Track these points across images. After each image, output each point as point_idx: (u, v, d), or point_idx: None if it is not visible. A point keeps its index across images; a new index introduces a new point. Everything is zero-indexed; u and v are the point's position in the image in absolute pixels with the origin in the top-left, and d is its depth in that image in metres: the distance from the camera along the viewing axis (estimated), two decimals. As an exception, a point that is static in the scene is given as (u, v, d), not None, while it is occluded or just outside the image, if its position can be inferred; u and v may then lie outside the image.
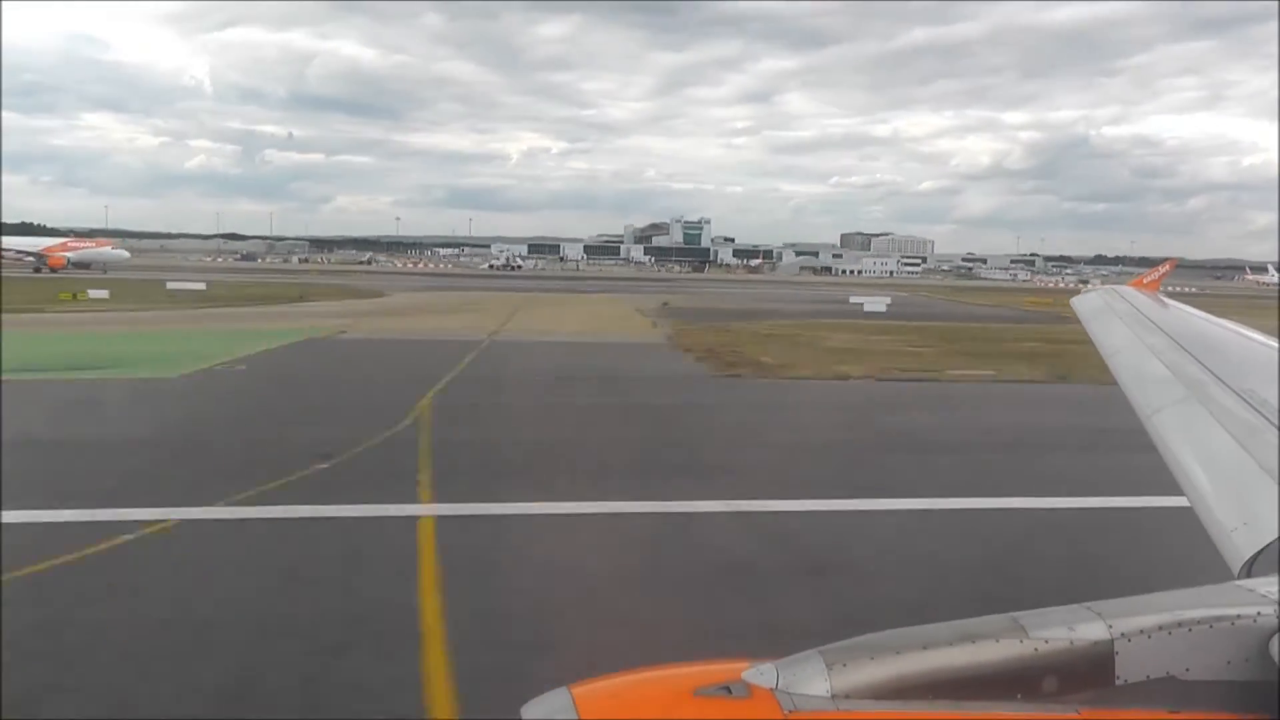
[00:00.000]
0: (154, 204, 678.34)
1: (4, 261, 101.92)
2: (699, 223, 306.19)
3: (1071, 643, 2.56)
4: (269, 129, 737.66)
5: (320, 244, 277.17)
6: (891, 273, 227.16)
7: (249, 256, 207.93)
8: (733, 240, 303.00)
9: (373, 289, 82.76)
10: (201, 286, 72.23)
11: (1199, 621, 2.63)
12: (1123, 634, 2.59)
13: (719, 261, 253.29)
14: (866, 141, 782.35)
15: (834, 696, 2.45)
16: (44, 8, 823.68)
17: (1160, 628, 2.61)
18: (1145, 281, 10.72)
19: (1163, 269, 14.30)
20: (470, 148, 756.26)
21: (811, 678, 2.48)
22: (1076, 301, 9.60)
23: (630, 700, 2.54)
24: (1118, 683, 2.56)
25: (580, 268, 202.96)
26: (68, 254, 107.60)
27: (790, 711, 2.40)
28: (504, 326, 47.61)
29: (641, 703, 2.52)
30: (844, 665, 2.50)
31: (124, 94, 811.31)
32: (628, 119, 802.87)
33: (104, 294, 61.79)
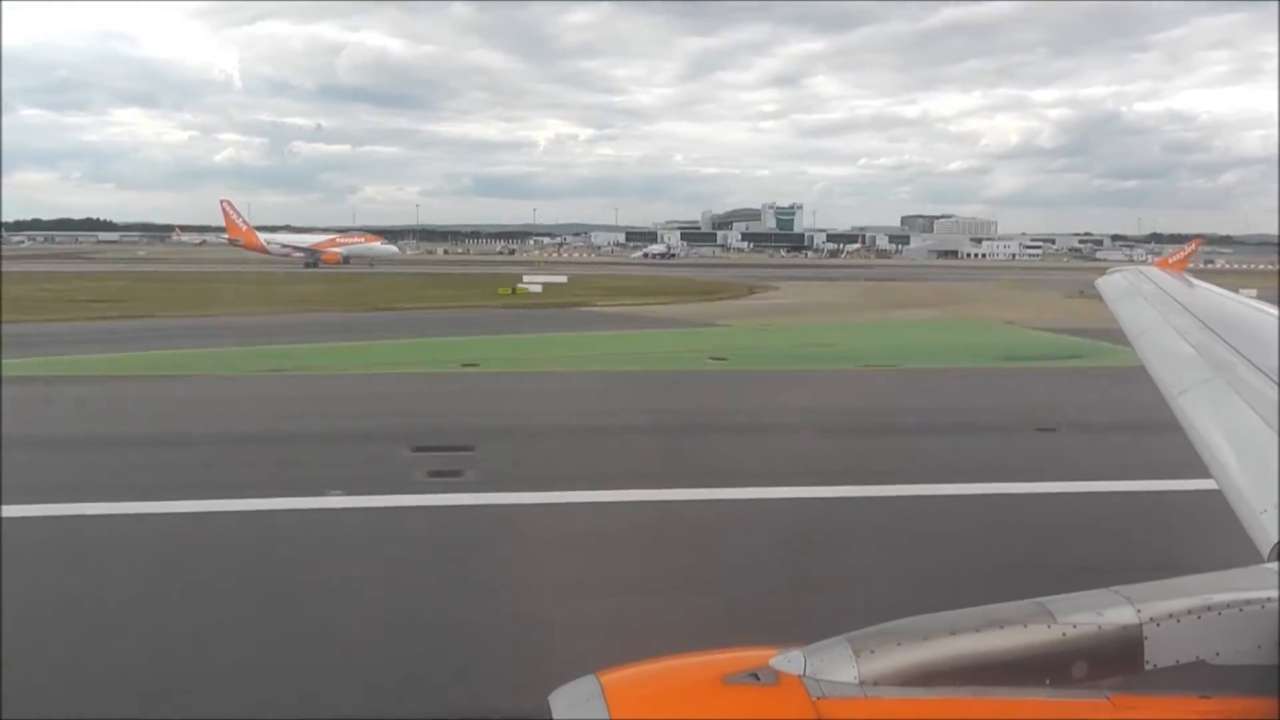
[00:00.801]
0: (182, 197, 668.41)
1: (273, 257, 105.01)
2: (791, 208, 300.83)
3: (1100, 628, 2.54)
4: (297, 121, 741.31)
5: (388, 234, 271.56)
6: (1014, 255, 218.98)
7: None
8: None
9: (741, 283, 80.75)
10: (563, 279, 72.72)
11: (1228, 605, 2.58)
12: (1151, 618, 2.55)
13: (814, 246, 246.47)
14: (895, 123, 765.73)
15: (862, 683, 2.45)
16: (77, 6, 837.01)
17: (1189, 612, 2.57)
18: (1171, 261, 8.72)
19: (1188, 248, 11.33)
20: (497, 136, 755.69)
21: (839, 664, 2.48)
22: (1102, 282, 9.14)
23: (658, 688, 2.56)
24: (1147, 667, 2.53)
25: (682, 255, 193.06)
26: (340, 249, 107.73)
27: (818, 698, 2.40)
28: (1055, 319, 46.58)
29: (670, 690, 2.53)
30: (871, 652, 2.50)
31: (154, 89, 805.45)
32: (655, 104, 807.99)
33: (538, 288, 63.85)
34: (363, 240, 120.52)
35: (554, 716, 2.47)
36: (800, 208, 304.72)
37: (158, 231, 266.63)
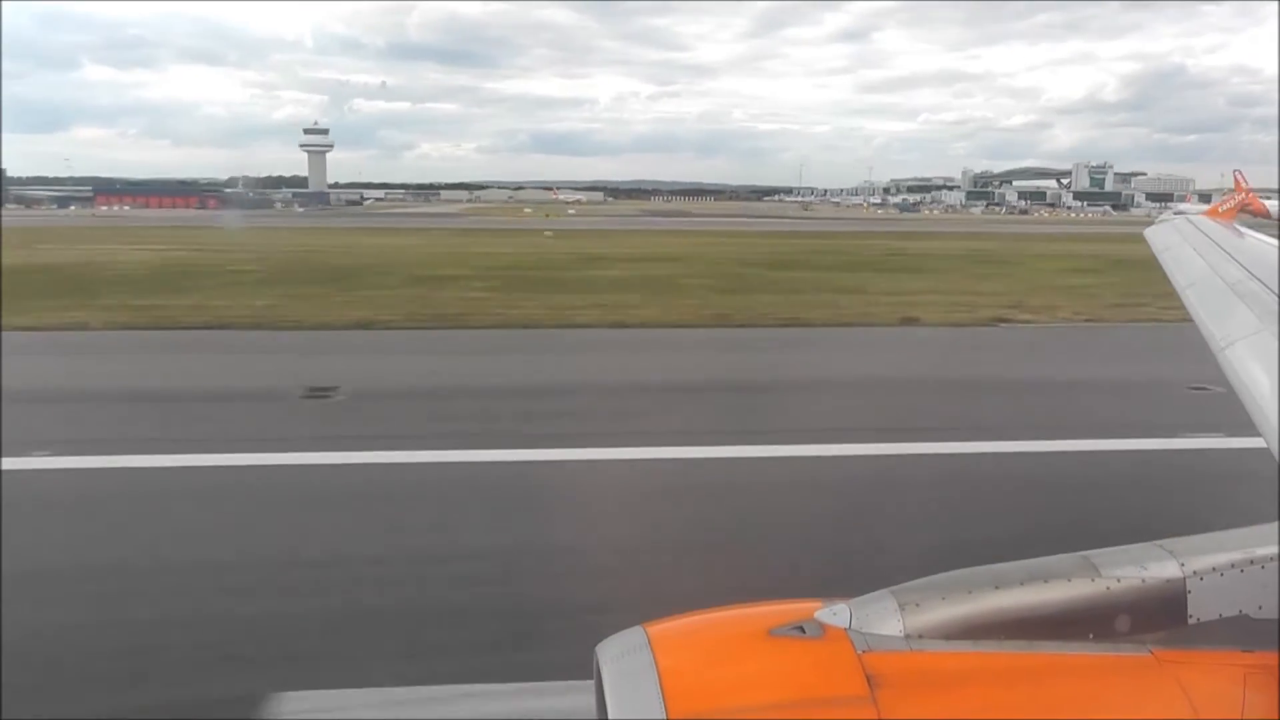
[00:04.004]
0: (237, 155, 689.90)
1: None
2: (1103, 167, 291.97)
3: (1143, 581, 2.56)
4: (362, 78, 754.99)
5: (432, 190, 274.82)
6: None
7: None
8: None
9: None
10: None
11: (1272, 558, 2.58)
12: (1195, 572, 2.56)
13: (1135, 203, 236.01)
14: (959, 78, 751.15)
15: (907, 636, 2.48)
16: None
17: (1232, 565, 2.57)
18: (1220, 210, 8.28)
19: (1239, 198, 10.50)
20: (559, 92, 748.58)
21: (884, 617, 2.51)
22: (1150, 232, 8.93)
23: (705, 639, 2.60)
24: (1190, 621, 2.54)
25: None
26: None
27: (864, 651, 2.43)
28: None
29: (716, 641, 2.58)
30: (916, 605, 2.53)
31: (222, 47, 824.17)
32: (720, 61, 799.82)
33: None
34: None
35: (601, 667, 2.51)
36: (1111, 166, 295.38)
37: (419, 190, 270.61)
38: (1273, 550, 2.59)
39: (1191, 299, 6.24)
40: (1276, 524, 2.76)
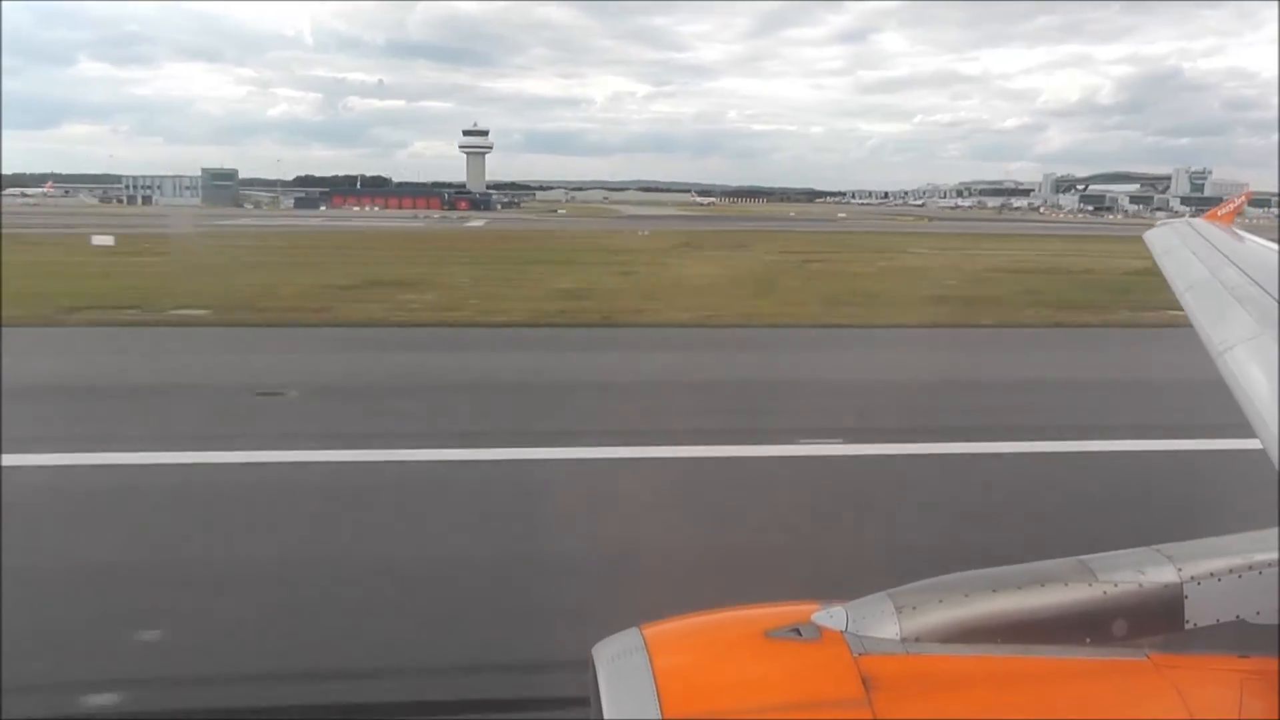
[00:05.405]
0: (229, 152, 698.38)
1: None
2: (1204, 171, 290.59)
3: (1140, 586, 2.55)
4: (359, 76, 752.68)
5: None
6: None
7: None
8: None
9: None
10: None
11: (1270, 564, 2.57)
12: (1192, 577, 2.56)
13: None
14: (956, 79, 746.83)
15: (903, 639, 2.47)
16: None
17: (1230, 570, 2.57)
18: (1220, 214, 8.44)
19: (1238, 201, 10.54)
20: (555, 92, 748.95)
21: (881, 620, 2.50)
22: (1149, 236, 8.73)
23: (701, 641, 2.59)
24: (1187, 626, 2.53)
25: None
26: None
27: (860, 654, 2.42)
28: None
29: (713, 644, 2.57)
30: (913, 608, 2.51)
31: (219, 44, 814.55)
32: (719, 61, 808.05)
33: None
34: None
35: (597, 668, 2.50)
36: (1210, 172, 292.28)
37: (512, 190, 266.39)
38: (1271, 556, 2.59)
39: (1190, 302, 6.21)
40: (1275, 530, 2.76)
